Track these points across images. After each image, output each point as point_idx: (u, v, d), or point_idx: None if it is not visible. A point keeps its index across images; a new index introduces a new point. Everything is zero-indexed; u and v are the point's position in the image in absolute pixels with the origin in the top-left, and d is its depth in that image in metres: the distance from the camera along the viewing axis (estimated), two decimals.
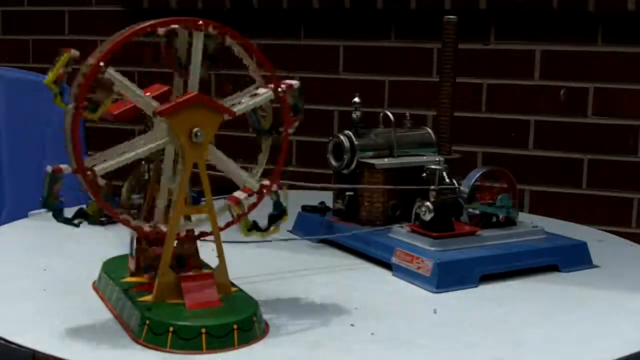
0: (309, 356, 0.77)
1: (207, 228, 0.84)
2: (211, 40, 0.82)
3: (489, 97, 1.93)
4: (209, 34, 0.81)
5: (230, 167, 0.84)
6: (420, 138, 1.21)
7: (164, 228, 0.82)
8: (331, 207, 1.20)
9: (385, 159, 1.15)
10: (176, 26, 0.81)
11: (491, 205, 1.09)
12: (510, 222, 1.11)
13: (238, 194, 0.85)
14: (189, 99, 0.79)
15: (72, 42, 2.31)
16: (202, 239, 0.86)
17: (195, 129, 0.79)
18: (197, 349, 0.76)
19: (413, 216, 1.07)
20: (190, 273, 0.83)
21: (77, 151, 0.77)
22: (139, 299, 0.82)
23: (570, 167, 1.88)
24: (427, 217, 1.03)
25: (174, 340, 0.76)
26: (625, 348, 0.80)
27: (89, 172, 0.77)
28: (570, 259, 1.08)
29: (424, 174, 1.09)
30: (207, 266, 0.87)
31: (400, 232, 1.07)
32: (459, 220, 1.08)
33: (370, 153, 1.16)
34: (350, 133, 1.15)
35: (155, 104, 0.79)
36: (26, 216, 1.32)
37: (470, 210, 1.09)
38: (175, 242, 0.82)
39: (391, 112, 1.16)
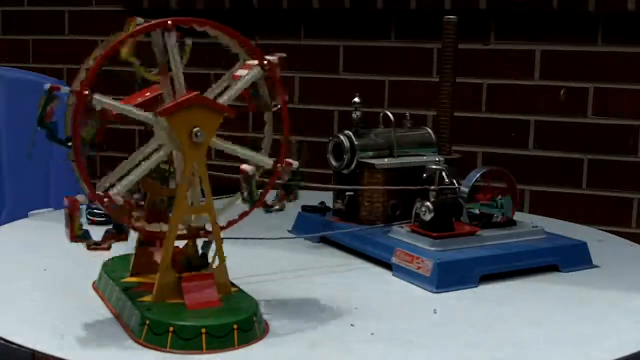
0: (308, 356, 0.77)
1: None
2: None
3: (489, 97, 1.93)
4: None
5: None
6: (420, 138, 1.21)
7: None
8: (331, 207, 1.20)
9: (385, 159, 1.15)
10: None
11: (490, 205, 1.09)
12: (510, 222, 1.11)
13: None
14: (189, 98, 0.79)
15: (72, 42, 2.32)
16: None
17: (196, 129, 0.79)
18: (197, 349, 0.76)
19: (413, 216, 1.07)
20: (192, 273, 0.83)
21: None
22: (139, 299, 0.82)
23: (570, 167, 1.88)
24: (427, 217, 1.03)
25: (174, 340, 0.76)
26: (625, 348, 0.80)
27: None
28: (570, 259, 1.08)
29: (425, 175, 1.09)
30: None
31: (400, 232, 1.07)
32: (459, 220, 1.08)
33: (370, 153, 1.16)
34: (350, 133, 1.16)
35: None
36: (26, 216, 1.32)
37: (470, 210, 1.09)
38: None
39: (391, 112, 1.16)
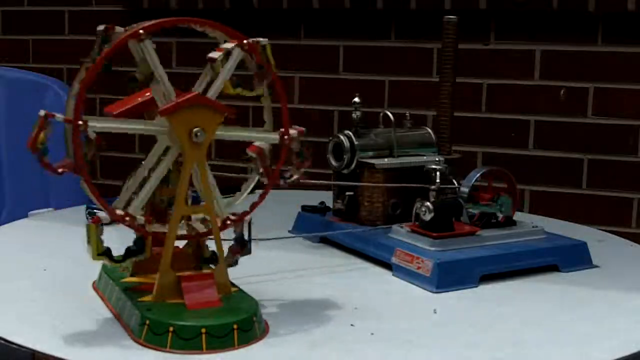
0: (309, 356, 0.77)
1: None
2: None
3: (489, 97, 1.93)
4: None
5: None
6: (420, 138, 1.21)
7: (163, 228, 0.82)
8: (331, 207, 1.20)
9: (385, 159, 1.15)
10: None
11: (491, 205, 1.09)
12: (510, 222, 1.11)
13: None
14: (189, 98, 0.79)
15: (72, 42, 2.32)
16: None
17: (196, 129, 0.79)
18: (197, 349, 0.76)
19: (413, 216, 1.07)
20: (191, 273, 0.83)
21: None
22: (139, 299, 0.82)
23: (570, 167, 1.88)
24: (427, 217, 1.03)
25: (174, 340, 0.76)
26: (625, 348, 0.80)
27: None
28: (570, 259, 1.08)
29: (437, 182, 1.09)
30: (207, 266, 0.87)
31: (400, 232, 1.07)
32: (459, 220, 1.08)
33: (370, 153, 1.16)
34: (350, 133, 1.16)
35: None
36: (26, 216, 1.32)
37: (470, 210, 1.09)
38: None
39: (391, 112, 1.16)
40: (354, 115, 1.16)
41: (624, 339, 0.83)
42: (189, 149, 0.80)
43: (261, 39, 0.85)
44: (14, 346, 0.77)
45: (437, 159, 1.16)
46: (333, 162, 1.17)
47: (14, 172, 1.76)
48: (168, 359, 0.75)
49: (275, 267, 1.05)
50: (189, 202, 0.85)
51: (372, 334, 0.83)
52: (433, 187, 1.06)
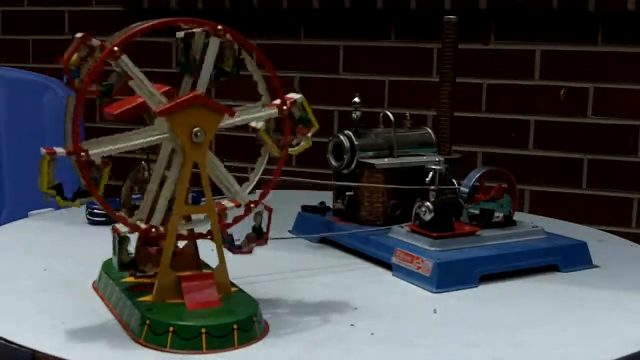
0: (309, 356, 0.77)
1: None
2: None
3: (489, 97, 1.93)
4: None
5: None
6: (420, 138, 1.21)
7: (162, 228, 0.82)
8: (331, 207, 1.20)
9: (385, 159, 1.15)
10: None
11: (492, 203, 1.09)
12: (510, 222, 1.11)
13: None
14: (188, 98, 0.79)
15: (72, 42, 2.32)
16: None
17: (196, 129, 0.79)
18: (197, 349, 0.76)
19: (413, 216, 1.07)
20: (191, 273, 0.83)
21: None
22: (139, 299, 0.82)
23: (570, 167, 1.88)
24: (427, 217, 1.03)
25: (174, 340, 0.76)
26: (625, 348, 0.80)
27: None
28: (570, 259, 1.08)
29: (427, 179, 1.09)
30: (207, 266, 0.87)
31: (400, 232, 1.07)
32: (459, 220, 1.08)
33: (370, 153, 1.16)
34: (350, 133, 1.15)
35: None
36: (26, 216, 1.32)
37: (470, 210, 1.09)
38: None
39: (391, 112, 1.16)
40: (354, 115, 1.16)
41: (624, 339, 0.83)
42: (189, 149, 0.80)
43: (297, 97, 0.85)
44: (14, 346, 0.77)
45: (437, 159, 1.16)
46: (333, 162, 1.17)
47: (14, 172, 1.76)
48: (168, 359, 0.75)
49: (275, 267, 1.05)
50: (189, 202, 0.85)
51: (372, 334, 0.83)
52: (432, 187, 1.06)
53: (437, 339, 0.82)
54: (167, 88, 0.86)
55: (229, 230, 0.87)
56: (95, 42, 0.77)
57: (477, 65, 1.91)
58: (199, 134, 0.79)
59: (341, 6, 1.98)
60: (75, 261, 1.06)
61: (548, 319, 0.89)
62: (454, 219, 1.06)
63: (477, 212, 1.09)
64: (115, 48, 0.77)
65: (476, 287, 0.99)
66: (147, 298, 0.81)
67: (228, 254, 0.84)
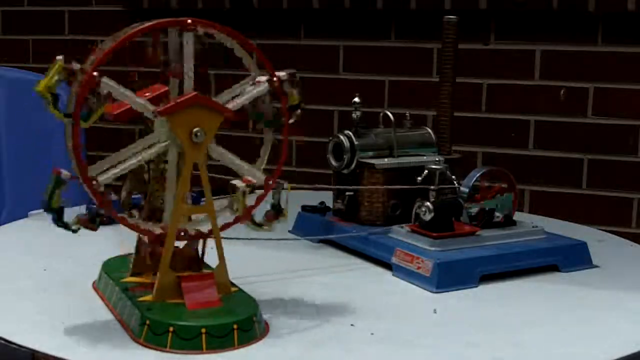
0: (309, 356, 0.77)
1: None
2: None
3: (489, 97, 1.93)
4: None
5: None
6: (420, 138, 1.21)
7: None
8: (331, 207, 1.20)
9: (385, 159, 1.15)
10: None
11: (493, 202, 1.09)
12: (510, 222, 1.11)
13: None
14: (188, 98, 0.79)
15: (72, 42, 2.32)
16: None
17: (196, 129, 0.79)
18: (197, 349, 0.76)
19: (413, 216, 1.07)
20: (191, 273, 0.83)
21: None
22: (139, 299, 0.82)
23: (570, 167, 1.88)
24: (427, 217, 1.03)
25: (174, 340, 0.76)
26: (625, 348, 0.80)
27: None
28: (570, 259, 1.08)
29: (419, 178, 1.09)
30: (207, 266, 0.87)
31: (400, 232, 1.07)
32: (459, 220, 1.08)
33: (370, 153, 1.16)
34: (350, 133, 1.15)
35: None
36: (26, 216, 1.32)
37: (470, 210, 1.09)
38: None
39: (391, 112, 1.16)
40: (354, 115, 1.16)
41: (624, 339, 0.83)
42: (189, 149, 0.80)
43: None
44: (14, 346, 0.77)
45: (437, 159, 1.16)
46: (333, 162, 1.17)
47: (14, 172, 1.76)
48: (168, 359, 0.75)
49: (275, 267, 1.05)
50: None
51: (372, 334, 0.83)
52: (432, 187, 1.06)
53: (437, 339, 0.82)
54: (166, 89, 0.86)
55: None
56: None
57: (477, 65, 1.91)
58: (199, 134, 0.79)
59: (341, 6, 1.98)
60: (75, 261, 1.06)
61: (548, 319, 0.89)
62: (454, 219, 1.06)
63: (477, 209, 1.09)
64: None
65: (476, 287, 0.99)
66: (147, 298, 0.81)
67: (228, 254, 0.84)
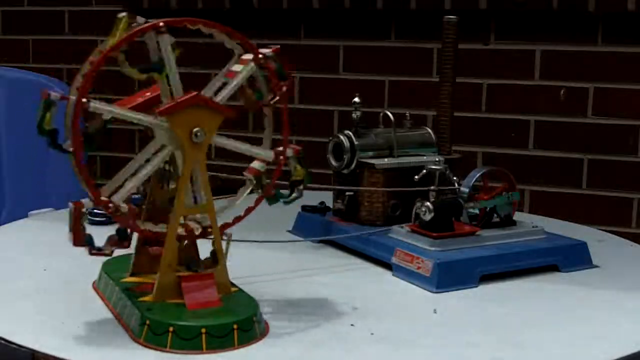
0: (309, 356, 0.77)
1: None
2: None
3: (489, 97, 1.93)
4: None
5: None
6: (420, 138, 1.21)
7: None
8: (331, 207, 1.20)
9: (385, 159, 1.15)
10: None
11: (494, 201, 1.09)
12: (510, 222, 1.11)
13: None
14: (188, 99, 0.79)
15: (72, 42, 2.32)
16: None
17: (196, 129, 0.79)
18: (197, 349, 0.76)
19: (413, 216, 1.07)
20: (191, 273, 0.83)
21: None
22: (139, 299, 0.82)
23: (570, 167, 1.88)
24: (427, 217, 1.03)
25: (174, 340, 0.76)
26: (625, 348, 0.80)
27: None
28: (570, 259, 1.08)
29: (416, 177, 1.09)
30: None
31: (400, 232, 1.07)
32: (459, 220, 1.08)
33: (370, 153, 1.16)
34: (350, 133, 1.15)
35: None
36: (26, 216, 1.32)
37: (470, 210, 1.09)
38: None
39: (391, 112, 1.16)
40: (354, 115, 1.16)
41: (624, 339, 0.83)
42: (189, 149, 0.80)
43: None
44: (14, 346, 0.77)
45: (437, 159, 1.16)
46: (333, 162, 1.17)
47: (14, 172, 1.76)
48: (168, 359, 0.75)
49: (275, 267, 1.05)
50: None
51: (372, 334, 0.83)
52: (432, 187, 1.06)
53: (437, 339, 0.82)
54: None
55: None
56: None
57: (477, 65, 1.91)
58: (199, 134, 0.79)
59: (341, 6, 1.98)
60: (75, 261, 1.06)
61: (548, 319, 0.89)
62: (454, 219, 1.06)
63: (476, 211, 1.09)
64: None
65: (476, 287, 0.99)
66: (147, 298, 0.81)
67: (228, 254, 0.84)
